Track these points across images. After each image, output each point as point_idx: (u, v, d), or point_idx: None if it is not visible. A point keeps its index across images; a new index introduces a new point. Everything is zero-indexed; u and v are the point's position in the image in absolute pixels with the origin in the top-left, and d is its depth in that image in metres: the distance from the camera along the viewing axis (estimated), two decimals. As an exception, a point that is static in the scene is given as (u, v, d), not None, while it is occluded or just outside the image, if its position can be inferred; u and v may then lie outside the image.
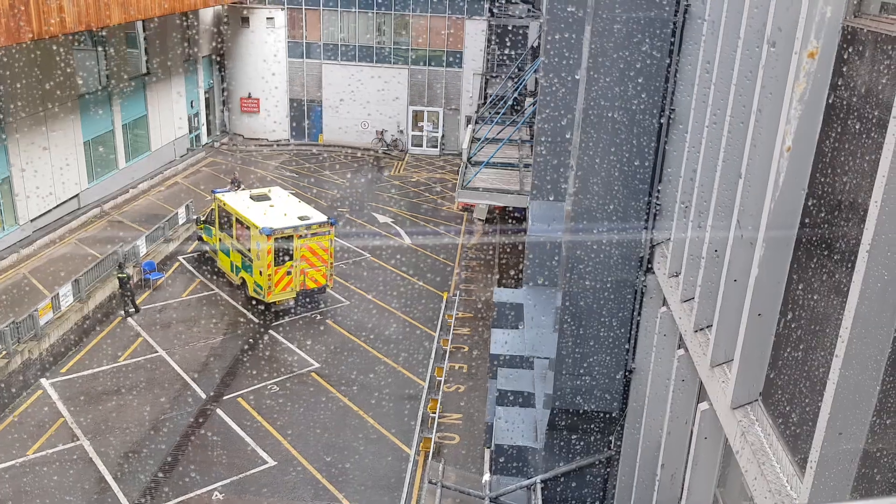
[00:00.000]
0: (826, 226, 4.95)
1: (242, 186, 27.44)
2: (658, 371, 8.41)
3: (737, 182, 6.09)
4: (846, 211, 4.72)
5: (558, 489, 10.22)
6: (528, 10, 33.05)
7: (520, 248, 23.16)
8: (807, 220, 5.17)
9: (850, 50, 4.73)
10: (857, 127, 4.65)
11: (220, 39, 38.69)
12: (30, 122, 24.34)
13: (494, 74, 35.89)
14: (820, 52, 4.87)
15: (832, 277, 4.83)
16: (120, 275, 20.23)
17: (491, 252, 26.75)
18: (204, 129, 38.10)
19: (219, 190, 26.34)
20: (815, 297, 5.09)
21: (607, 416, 9.80)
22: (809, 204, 5.14)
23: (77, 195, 27.28)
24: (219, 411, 16.41)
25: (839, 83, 4.85)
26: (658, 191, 8.72)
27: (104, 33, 28.11)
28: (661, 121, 8.51)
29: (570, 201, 9.20)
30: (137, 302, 20.95)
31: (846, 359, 4.02)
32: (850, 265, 4.29)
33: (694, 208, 7.34)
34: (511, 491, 10.23)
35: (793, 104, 5.02)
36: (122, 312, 20.43)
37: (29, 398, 16.63)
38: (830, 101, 4.93)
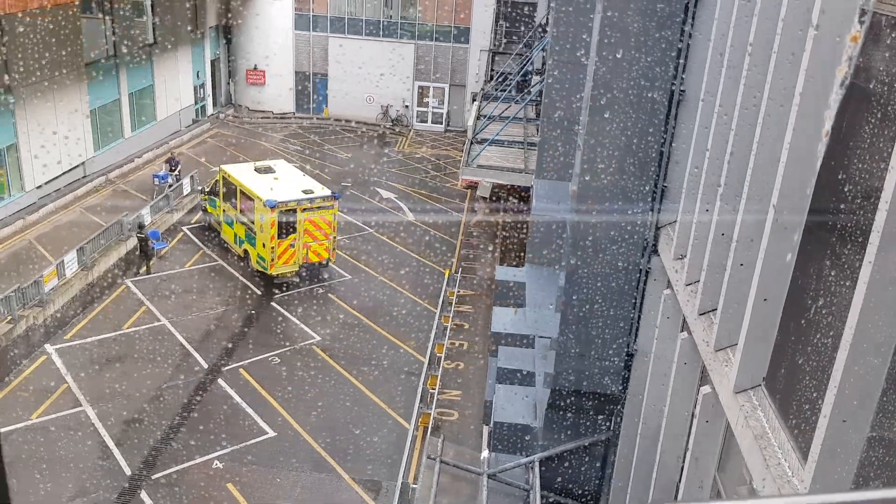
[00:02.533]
0: (837, 211, 4.88)
1: (180, 167, 27.25)
2: (660, 353, 8.40)
3: (746, 166, 6.01)
4: (858, 197, 4.64)
5: (556, 468, 10.28)
6: (538, -14, 32.57)
7: (523, 226, 23.10)
8: (817, 205, 5.10)
9: (867, 33, 4.62)
10: (870, 110, 4.56)
11: (227, 10, 38.26)
12: (37, 89, 24.18)
13: (501, 51, 35.48)
14: (836, 35, 4.75)
15: (841, 263, 4.78)
16: (140, 234, 20.73)
17: (494, 230, 26.69)
18: (209, 100, 37.85)
19: (157, 174, 26.47)
20: (822, 284, 5.04)
21: (608, 397, 9.82)
22: (820, 188, 5.07)
23: (83, 163, 27.22)
24: (220, 381, 16.52)
25: (855, 65, 4.75)
26: (665, 172, 8.63)
27: (112, 2, 27.80)
28: (671, 100, 8.39)
29: (577, 181, 9.12)
30: (140, 272, 21.05)
31: (854, 346, 3.99)
32: (860, 252, 4.23)
33: (702, 190, 7.26)
34: (509, 468, 10.30)
35: (806, 85, 4.92)
36: (143, 269, 21.06)
37: (33, 364, 16.74)
38: (847, 83, 4.82)
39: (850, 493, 0.86)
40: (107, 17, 28.29)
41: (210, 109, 37.87)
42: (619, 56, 8.22)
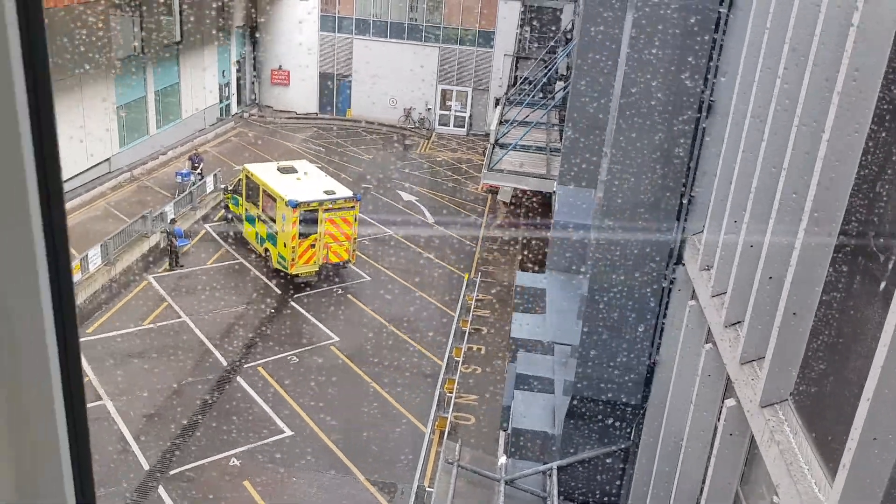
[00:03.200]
0: (871, 226, 4.83)
1: (203, 165, 27.49)
2: (683, 364, 8.34)
3: (778, 177, 5.97)
4: (893, 212, 4.60)
5: (574, 476, 10.24)
6: (564, -8, 32.55)
7: (544, 233, 23.05)
8: (851, 221, 5.05)
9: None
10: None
11: (253, 10, 38.65)
12: (64, 84, 24.60)
13: (525, 56, 35.46)
14: (872, 50, 4.72)
15: (873, 281, 4.73)
16: (168, 230, 21.16)
17: (514, 235, 26.66)
18: (234, 100, 38.24)
19: (180, 172, 26.75)
20: (853, 300, 4.99)
21: (628, 406, 9.77)
22: (854, 204, 5.02)
23: (108, 159, 27.62)
24: (239, 379, 16.66)
25: (891, 81, 4.70)
26: (693, 182, 8.59)
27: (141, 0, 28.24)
28: (701, 110, 8.35)
29: (602, 188, 9.10)
30: (162, 269, 21.34)
31: (886, 364, 3.95)
32: (894, 268, 4.19)
33: (731, 202, 7.21)
34: (527, 475, 10.28)
35: (841, 101, 4.88)
36: (168, 265, 21.41)
37: (56, 357, 16.99)
38: (881, 100, 4.78)
39: None
40: (135, 15, 28.71)
41: (234, 108, 38.26)
42: (649, 65, 8.20)
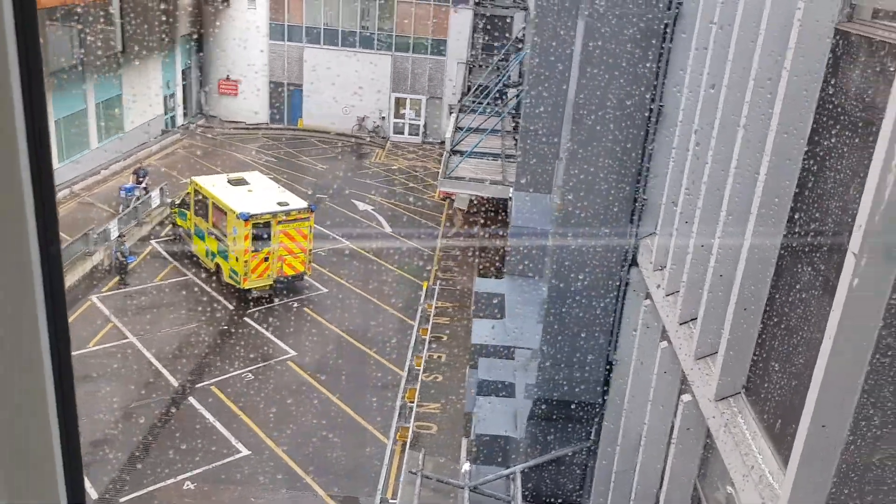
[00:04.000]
0: (815, 224, 5.08)
1: (148, 179, 26.92)
2: (640, 363, 8.55)
3: (726, 179, 6.21)
4: (835, 210, 4.84)
5: (538, 478, 10.36)
6: (514, 1, 33.04)
7: (501, 239, 23.28)
8: (796, 218, 5.29)
9: (841, 53, 4.84)
10: (846, 129, 4.77)
11: (199, 19, 38.00)
12: None
13: (478, 64, 35.82)
14: (812, 56, 4.97)
15: (819, 274, 4.97)
16: (121, 247, 20.79)
17: (472, 242, 26.82)
18: (180, 111, 37.46)
19: (124, 186, 26.16)
20: (800, 295, 5.22)
21: (588, 406, 9.95)
22: (799, 202, 5.26)
23: (49, 174, 26.64)
24: (191, 399, 16.23)
25: (831, 85, 4.96)
26: (645, 185, 8.84)
27: (80, 9, 27.42)
28: (650, 116, 8.61)
29: (559, 193, 9.28)
30: (106, 288, 20.73)
31: (833, 353, 4.14)
32: (837, 263, 4.41)
33: (681, 204, 7.45)
34: (491, 480, 10.35)
35: (784, 105, 5.12)
36: (115, 281, 21.04)
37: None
38: (821, 104, 5.04)
39: None
40: (74, 25, 27.87)
41: (180, 120, 37.46)
42: (600, 71, 8.42)
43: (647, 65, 8.39)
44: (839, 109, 4.79)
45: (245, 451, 14.64)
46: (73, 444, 1.11)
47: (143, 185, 26.41)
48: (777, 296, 5.57)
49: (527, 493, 10.14)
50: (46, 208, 1.00)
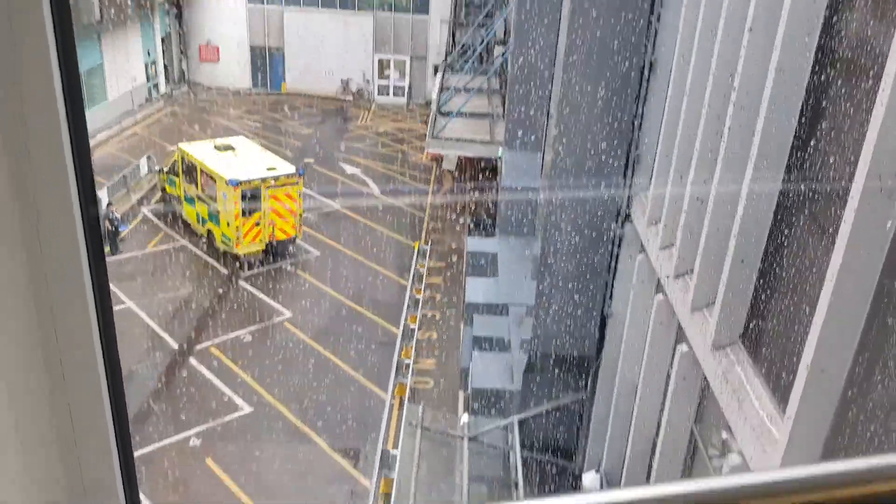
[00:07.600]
0: (813, 173, 5.10)
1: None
2: (635, 315, 8.66)
3: (721, 129, 6.19)
4: (834, 159, 4.86)
5: (535, 428, 10.57)
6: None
7: (491, 198, 23.24)
8: (793, 168, 5.31)
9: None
10: (846, 73, 4.75)
11: (175, -18, 36.93)
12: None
13: (463, 22, 35.18)
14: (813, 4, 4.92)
15: (818, 221, 5.01)
16: (110, 216, 20.62)
17: (462, 202, 26.75)
18: (162, 78, 36.71)
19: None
20: (800, 241, 5.27)
21: (583, 359, 10.10)
22: (796, 152, 5.27)
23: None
24: (192, 360, 16.36)
25: (831, 32, 4.92)
26: (638, 140, 8.81)
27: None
28: (643, 68, 8.53)
29: (550, 150, 9.24)
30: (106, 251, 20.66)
31: (833, 298, 4.20)
32: (837, 209, 4.44)
33: (676, 158, 7.44)
34: (489, 431, 10.55)
35: (782, 51, 5.08)
36: (112, 248, 20.90)
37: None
38: (821, 48, 5.01)
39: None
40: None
41: (163, 88, 36.75)
42: (591, 24, 8.30)
43: (640, 13, 8.28)
44: (839, 54, 4.77)
45: (248, 408, 14.86)
46: (125, 438, 1.11)
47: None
48: (775, 245, 5.62)
49: (524, 441, 10.37)
50: (83, 170, 1.00)
